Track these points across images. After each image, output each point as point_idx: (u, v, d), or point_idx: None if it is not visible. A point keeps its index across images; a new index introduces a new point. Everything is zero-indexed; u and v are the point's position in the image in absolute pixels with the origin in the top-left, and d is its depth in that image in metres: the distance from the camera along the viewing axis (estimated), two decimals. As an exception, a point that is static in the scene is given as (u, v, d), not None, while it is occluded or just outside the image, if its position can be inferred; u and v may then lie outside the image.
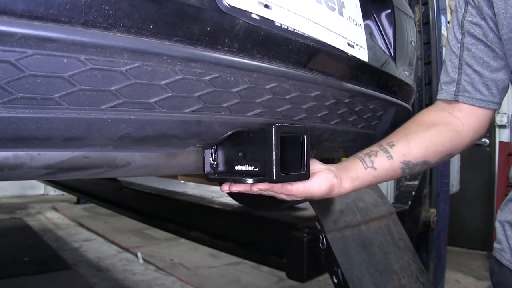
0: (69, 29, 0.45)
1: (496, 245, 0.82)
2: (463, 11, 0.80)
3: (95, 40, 0.47)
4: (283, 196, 0.76)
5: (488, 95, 0.79)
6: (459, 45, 0.81)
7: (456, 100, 0.82)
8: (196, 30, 0.57)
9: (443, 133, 0.82)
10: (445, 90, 0.84)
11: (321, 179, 0.76)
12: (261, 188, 0.72)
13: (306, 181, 0.75)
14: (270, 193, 0.75)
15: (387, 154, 0.80)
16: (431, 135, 0.81)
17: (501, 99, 0.81)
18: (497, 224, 0.82)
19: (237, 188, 0.73)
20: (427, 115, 0.86)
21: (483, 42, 0.77)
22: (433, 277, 2.32)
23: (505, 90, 0.81)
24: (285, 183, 0.73)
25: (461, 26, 0.80)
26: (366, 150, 0.82)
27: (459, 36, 0.81)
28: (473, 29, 0.78)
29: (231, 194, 2.19)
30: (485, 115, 0.82)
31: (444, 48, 2.41)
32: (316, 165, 0.78)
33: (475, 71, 0.79)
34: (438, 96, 0.86)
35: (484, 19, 0.76)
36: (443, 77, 0.85)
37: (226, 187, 0.75)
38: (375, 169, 0.79)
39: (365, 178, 0.80)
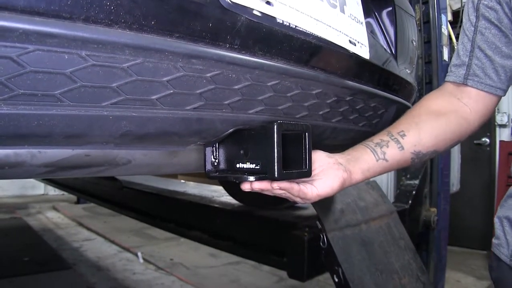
0: (70, 25, 0.45)
1: (494, 241, 0.82)
2: None
3: (96, 36, 0.47)
4: (298, 199, 0.74)
5: (497, 81, 0.79)
6: (473, 28, 0.80)
7: (464, 84, 0.81)
8: (197, 26, 0.57)
9: (452, 121, 0.81)
10: (454, 73, 0.83)
11: (333, 179, 0.73)
12: (282, 187, 0.71)
13: (318, 184, 0.73)
14: (287, 195, 0.73)
15: (398, 145, 0.79)
16: (441, 124, 0.81)
17: (508, 86, 0.80)
18: (496, 220, 0.82)
19: (259, 186, 0.71)
20: (436, 100, 0.84)
21: (497, 26, 0.76)
22: (433, 277, 2.31)
23: None
24: (301, 187, 0.72)
25: (476, 9, 0.79)
26: (376, 139, 0.79)
27: (473, 19, 0.80)
28: (488, 12, 0.77)
29: (231, 193, 2.19)
30: (492, 101, 0.81)
31: (444, 48, 2.41)
32: (323, 160, 0.75)
33: (486, 55, 0.78)
34: (447, 78, 0.85)
35: (499, 3, 0.76)
36: (453, 60, 0.84)
37: (247, 185, 0.71)
38: (386, 160, 0.78)
39: (376, 170, 0.79)
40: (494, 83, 0.79)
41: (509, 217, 0.80)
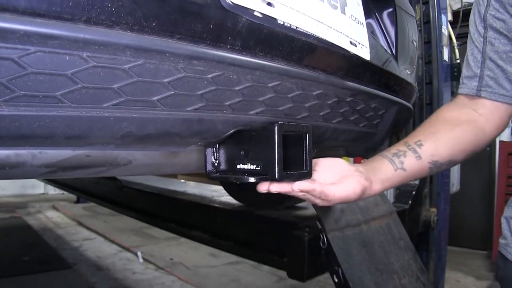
0: (71, 26, 0.45)
1: (501, 241, 0.82)
2: (485, 5, 0.79)
3: (97, 38, 0.47)
4: (318, 201, 0.74)
5: (510, 90, 0.78)
6: (482, 39, 0.79)
7: (478, 96, 0.81)
8: (199, 27, 0.57)
9: (469, 132, 0.81)
10: (466, 85, 0.83)
11: (355, 184, 0.73)
12: (303, 189, 0.70)
13: (341, 188, 0.73)
14: (308, 196, 0.73)
15: (416, 154, 0.78)
16: (457, 134, 0.80)
17: None
18: (503, 220, 0.82)
19: (278, 188, 0.70)
20: (451, 112, 0.84)
21: (507, 36, 0.76)
22: (433, 277, 2.32)
23: None
24: (324, 189, 0.71)
25: (484, 20, 0.79)
26: (393, 150, 0.79)
27: (482, 30, 0.80)
28: (495, 23, 0.77)
29: (231, 193, 2.19)
30: (507, 111, 0.81)
31: (444, 48, 2.41)
32: (344, 166, 0.75)
33: (498, 66, 0.78)
34: (460, 91, 0.85)
35: (508, 12, 0.75)
36: (465, 72, 0.84)
37: (264, 186, 0.71)
38: (404, 170, 0.77)
39: (395, 179, 0.78)
40: (507, 93, 0.78)
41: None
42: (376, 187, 0.76)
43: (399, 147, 0.79)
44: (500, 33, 0.77)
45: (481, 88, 0.80)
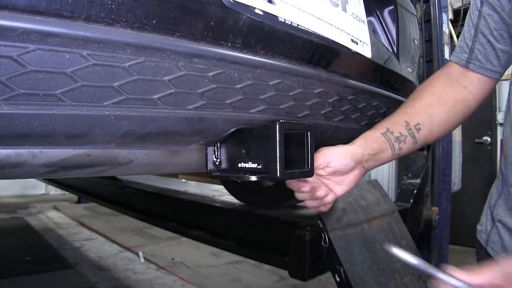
0: (71, 24, 0.45)
1: (478, 227, 0.90)
2: None
3: (97, 35, 0.47)
4: (322, 208, 0.80)
5: (497, 66, 0.82)
6: (477, 13, 0.82)
7: (466, 67, 0.84)
8: (199, 25, 0.57)
9: (460, 113, 0.86)
10: (458, 55, 0.87)
11: (356, 179, 0.78)
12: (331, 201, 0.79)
13: (345, 186, 0.78)
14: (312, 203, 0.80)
15: (414, 140, 0.82)
16: (451, 117, 0.85)
17: (506, 69, 0.84)
18: (485, 207, 0.90)
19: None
20: (447, 89, 0.86)
21: (499, 14, 0.78)
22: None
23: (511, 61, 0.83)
24: (334, 193, 0.77)
25: None
26: (396, 133, 0.81)
27: (478, 4, 0.82)
28: None
29: (232, 193, 2.19)
30: (491, 85, 0.85)
31: (446, 46, 2.41)
32: (348, 161, 0.76)
33: (489, 41, 0.81)
34: (451, 58, 0.89)
35: None
36: (459, 41, 0.87)
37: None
38: (399, 155, 0.82)
39: (385, 162, 0.83)
40: (494, 68, 0.82)
41: (490, 205, 0.86)
42: (368, 169, 0.82)
43: (401, 130, 0.82)
44: (495, 10, 0.79)
45: (470, 60, 0.84)
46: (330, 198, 0.78)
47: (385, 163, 0.83)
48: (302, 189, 0.77)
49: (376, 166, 0.83)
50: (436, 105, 0.84)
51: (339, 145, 0.78)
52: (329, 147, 0.77)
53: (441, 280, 0.56)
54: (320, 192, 0.77)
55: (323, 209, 0.80)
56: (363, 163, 0.78)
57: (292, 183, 0.78)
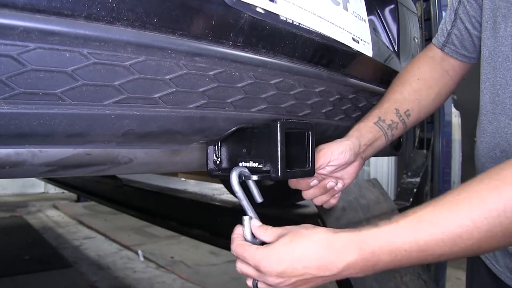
0: (72, 23, 0.45)
1: None
2: None
3: (98, 34, 0.46)
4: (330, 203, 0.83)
5: (472, 52, 0.84)
6: None
7: (442, 50, 0.88)
8: (200, 24, 0.56)
9: (443, 96, 0.90)
10: (437, 37, 0.90)
11: (356, 170, 0.81)
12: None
13: (345, 181, 0.80)
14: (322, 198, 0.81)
15: (404, 126, 0.85)
16: (436, 101, 0.89)
17: None
18: None
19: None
20: (432, 72, 0.89)
21: (477, 2, 0.78)
22: (434, 274, 2.31)
23: None
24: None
25: None
26: (388, 121, 0.83)
27: None
28: None
29: (232, 192, 2.18)
30: (467, 69, 0.89)
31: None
32: (347, 155, 0.77)
33: (466, 28, 0.82)
34: (433, 40, 0.92)
35: None
36: (441, 23, 0.89)
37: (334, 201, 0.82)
38: (391, 141, 0.85)
39: (381, 148, 0.85)
40: (469, 54, 0.85)
41: None
42: (366, 158, 0.84)
43: (392, 117, 0.84)
44: None
45: (446, 44, 0.87)
46: (339, 186, 0.79)
47: (380, 150, 0.85)
48: (311, 184, 0.77)
49: (373, 155, 0.85)
50: (423, 90, 0.87)
51: (336, 140, 0.79)
52: (328, 144, 0.78)
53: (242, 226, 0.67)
54: (331, 183, 0.78)
55: (333, 201, 0.81)
56: (361, 154, 0.80)
57: (299, 182, 0.78)
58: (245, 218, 0.67)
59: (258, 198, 0.71)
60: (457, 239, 0.51)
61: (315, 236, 0.59)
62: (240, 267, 0.63)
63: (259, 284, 0.62)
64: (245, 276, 0.64)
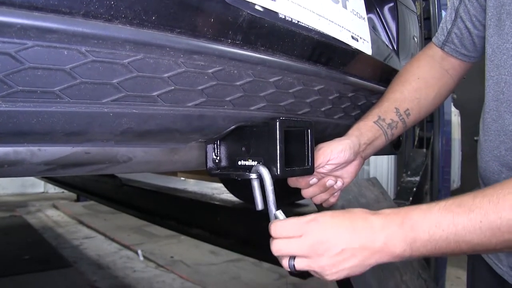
0: (70, 20, 0.44)
1: None
2: None
3: (96, 32, 0.46)
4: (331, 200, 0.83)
5: (472, 51, 0.85)
6: None
7: (442, 49, 0.88)
8: (199, 21, 0.56)
9: (443, 95, 0.90)
10: (437, 36, 0.89)
11: (356, 169, 0.81)
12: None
13: (345, 180, 0.80)
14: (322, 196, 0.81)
15: (404, 125, 0.85)
16: (436, 100, 0.89)
17: (483, 53, 0.85)
18: None
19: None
20: (432, 71, 0.89)
21: (479, 1, 0.78)
22: (434, 273, 2.31)
23: None
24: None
25: None
26: (388, 120, 0.83)
27: None
28: None
29: (232, 191, 2.18)
30: (466, 68, 0.89)
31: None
32: (347, 154, 0.77)
33: (466, 27, 0.82)
34: (433, 39, 0.92)
35: None
36: (441, 23, 0.89)
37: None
38: (391, 139, 0.85)
39: (381, 147, 0.86)
40: (468, 53, 0.85)
41: None
42: (366, 157, 0.84)
43: (392, 116, 0.84)
44: None
45: (446, 43, 0.87)
46: (339, 185, 0.80)
47: (379, 149, 0.85)
48: (311, 182, 0.78)
49: (372, 153, 0.85)
50: (423, 89, 0.87)
51: (336, 139, 0.78)
52: (327, 142, 0.78)
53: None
54: (330, 181, 0.78)
55: (333, 200, 0.82)
56: (361, 153, 0.80)
57: (299, 181, 0.78)
58: (278, 212, 0.69)
59: (260, 205, 0.71)
60: (496, 231, 0.51)
61: (357, 211, 0.60)
62: (279, 246, 0.66)
63: (297, 263, 0.64)
64: (280, 259, 0.66)
